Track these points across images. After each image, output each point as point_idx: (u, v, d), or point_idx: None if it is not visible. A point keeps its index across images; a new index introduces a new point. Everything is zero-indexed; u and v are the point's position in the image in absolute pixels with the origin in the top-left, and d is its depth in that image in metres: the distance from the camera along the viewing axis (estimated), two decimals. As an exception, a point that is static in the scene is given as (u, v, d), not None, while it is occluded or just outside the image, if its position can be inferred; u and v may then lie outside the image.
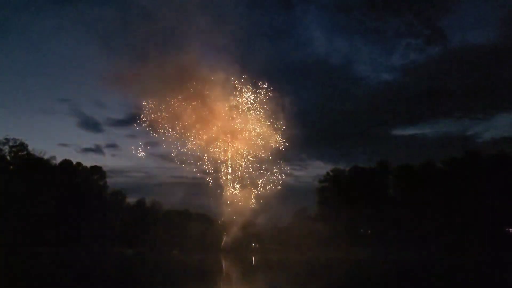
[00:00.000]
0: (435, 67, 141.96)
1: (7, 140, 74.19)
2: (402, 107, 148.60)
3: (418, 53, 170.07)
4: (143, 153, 66.21)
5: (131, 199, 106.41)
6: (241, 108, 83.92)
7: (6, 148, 74.16)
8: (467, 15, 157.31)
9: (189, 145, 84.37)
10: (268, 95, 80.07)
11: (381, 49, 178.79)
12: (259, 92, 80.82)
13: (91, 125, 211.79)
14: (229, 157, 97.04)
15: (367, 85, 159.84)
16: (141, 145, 66.69)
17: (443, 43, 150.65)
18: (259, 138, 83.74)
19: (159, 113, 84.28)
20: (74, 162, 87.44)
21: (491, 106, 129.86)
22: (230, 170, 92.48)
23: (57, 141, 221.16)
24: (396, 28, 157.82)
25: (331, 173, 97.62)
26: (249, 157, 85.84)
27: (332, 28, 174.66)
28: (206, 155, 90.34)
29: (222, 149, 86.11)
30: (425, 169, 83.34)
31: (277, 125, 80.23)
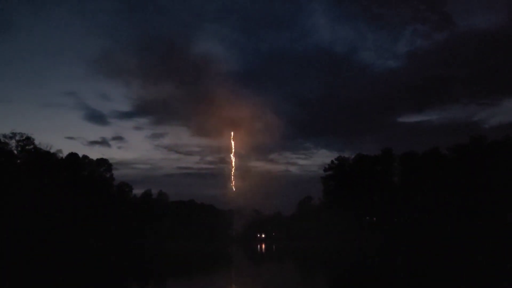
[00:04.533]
0: (441, 53, 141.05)
1: (13, 135, 74.55)
2: (408, 94, 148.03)
3: (424, 39, 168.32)
4: (148, 144, 66.39)
5: (137, 191, 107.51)
6: (245, 98, 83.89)
7: (13, 143, 74.57)
8: (474, 0, 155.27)
9: (194, 136, 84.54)
10: (273, 85, 79.89)
11: (386, 36, 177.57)
12: (263, 82, 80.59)
13: (97, 117, 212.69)
14: (234, 147, 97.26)
15: (373, 73, 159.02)
16: (146, 136, 66.87)
17: (450, 28, 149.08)
18: (264, 128, 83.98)
19: (164, 105, 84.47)
20: (81, 155, 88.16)
21: (498, 91, 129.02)
22: (235, 160, 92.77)
23: (64, 135, 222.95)
24: (402, 14, 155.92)
25: (335, 162, 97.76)
26: (254, 147, 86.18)
27: (337, 15, 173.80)
28: (211, 145, 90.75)
29: (226, 139, 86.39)
30: (430, 156, 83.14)
31: (281, 114, 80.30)
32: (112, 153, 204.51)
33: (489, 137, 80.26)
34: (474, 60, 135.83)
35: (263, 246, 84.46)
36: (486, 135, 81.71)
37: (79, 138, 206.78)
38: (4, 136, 73.46)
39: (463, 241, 64.10)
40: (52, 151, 79.65)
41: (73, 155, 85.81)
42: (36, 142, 76.85)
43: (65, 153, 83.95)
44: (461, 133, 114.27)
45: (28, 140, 75.70)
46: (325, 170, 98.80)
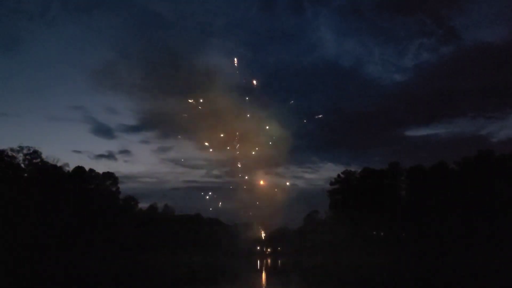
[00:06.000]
0: (448, 66, 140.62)
1: (21, 148, 75.19)
2: (414, 107, 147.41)
3: (430, 53, 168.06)
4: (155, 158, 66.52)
5: (143, 204, 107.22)
6: (252, 111, 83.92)
7: (20, 156, 75.15)
8: (481, 14, 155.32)
9: (201, 150, 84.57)
10: (279, 98, 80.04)
11: (393, 50, 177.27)
12: (269, 95, 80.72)
13: (104, 131, 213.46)
14: (240, 160, 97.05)
15: (379, 86, 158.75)
16: (153, 150, 67.04)
17: (456, 42, 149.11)
18: (270, 142, 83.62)
19: (170, 119, 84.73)
20: (87, 169, 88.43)
21: (506, 104, 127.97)
22: (241, 174, 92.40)
23: (71, 148, 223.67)
24: (408, 28, 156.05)
25: (342, 175, 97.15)
26: (259, 161, 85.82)
27: (344, 29, 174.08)
28: (217, 158, 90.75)
29: (233, 153, 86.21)
30: (437, 170, 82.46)
31: (287, 127, 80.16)
32: (119, 167, 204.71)
33: (497, 151, 79.64)
34: (481, 73, 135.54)
35: (269, 261, 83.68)
36: (494, 149, 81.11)
37: (86, 152, 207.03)
38: (12, 149, 74.15)
39: (471, 256, 63.17)
40: (59, 164, 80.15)
41: (79, 169, 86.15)
42: (43, 155, 77.45)
43: (72, 166, 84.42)
44: (469, 147, 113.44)
45: (35, 153, 76.30)
46: (332, 184, 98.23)
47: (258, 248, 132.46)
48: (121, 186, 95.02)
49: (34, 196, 68.54)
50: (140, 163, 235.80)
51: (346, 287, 30.31)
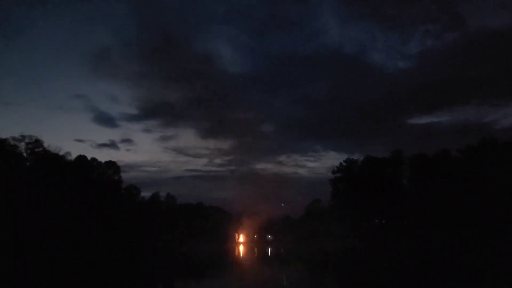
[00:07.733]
0: (453, 53, 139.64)
1: (23, 137, 74.97)
2: (418, 95, 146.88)
3: (435, 39, 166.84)
4: (157, 147, 66.20)
5: (145, 193, 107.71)
6: (254, 100, 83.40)
7: (22, 145, 74.97)
8: (486, 0, 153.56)
9: (203, 138, 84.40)
10: (282, 87, 79.39)
11: (397, 37, 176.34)
12: (272, 84, 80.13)
13: (106, 120, 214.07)
14: (242, 149, 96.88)
15: (383, 74, 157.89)
16: (155, 139, 66.59)
17: (462, 29, 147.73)
18: (272, 130, 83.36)
19: (172, 107, 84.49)
20: (90, 158, 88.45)
21: (511, 92, 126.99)
22: (243, 162, 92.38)
23: (73, 137, 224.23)
24: (413, 15, 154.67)
25: (344, 164, 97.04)
26: (263, 149, 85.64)
27: (347, 16, 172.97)
28: (220, 147, 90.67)
29: (235, 141, 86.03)
30: (440, 158, 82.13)
31: (290, 116, 79.80)
32: (121, 156, 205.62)
33: (500, 139, 79.12)
34: (485, 60, 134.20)
35: (269, 249, 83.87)
36: (498, 137, 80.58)
37: (88, 141, 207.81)
38: (14, 138, 73.94)
39: (473, 244, 63.11)
40: (61, 153, 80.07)
41: (82, 158, 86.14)
42: (45, 144, 77.26)
43: (74, 155, 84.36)
44: (472, 134, 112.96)
45: (37, 142, 76.10)
46: (334, 172, 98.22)
47: (260, 236, 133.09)
48: (124, 175, 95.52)
49: (36, 185, 68.52)
50: (142, 152, 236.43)
51: (348, 276, 30.27)
